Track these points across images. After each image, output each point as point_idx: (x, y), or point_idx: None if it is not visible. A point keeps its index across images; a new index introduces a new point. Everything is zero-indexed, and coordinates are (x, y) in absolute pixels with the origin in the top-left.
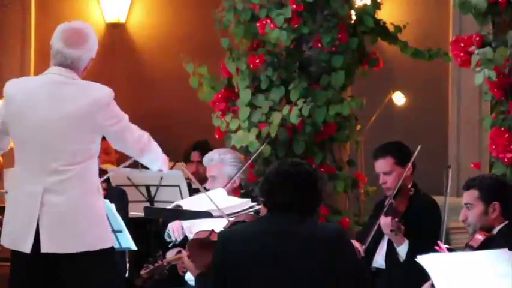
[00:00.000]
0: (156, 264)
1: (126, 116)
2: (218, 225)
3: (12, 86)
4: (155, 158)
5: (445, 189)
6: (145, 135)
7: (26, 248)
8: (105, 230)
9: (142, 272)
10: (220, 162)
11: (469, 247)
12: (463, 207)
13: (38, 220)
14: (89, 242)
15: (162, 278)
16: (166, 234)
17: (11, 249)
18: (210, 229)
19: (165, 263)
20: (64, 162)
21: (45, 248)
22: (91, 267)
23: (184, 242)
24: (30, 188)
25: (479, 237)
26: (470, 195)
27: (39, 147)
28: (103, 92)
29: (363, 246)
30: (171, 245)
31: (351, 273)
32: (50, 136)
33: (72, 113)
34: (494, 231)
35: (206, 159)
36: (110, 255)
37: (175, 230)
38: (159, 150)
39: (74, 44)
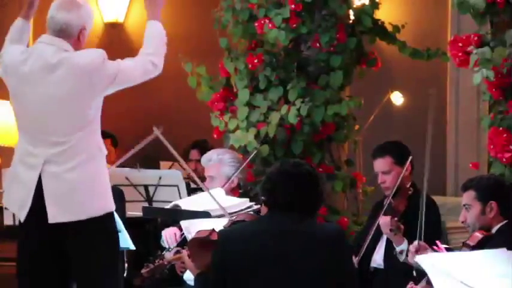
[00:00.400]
0: (156, 263)
1: (118, 65)
2: (219, 224)
3: (11, 54)
4: (162, 48)
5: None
6: (140, 58)
7: (21, 216)
8: (108, 196)
9: (143, 271)
10: (219, 163)
11: (466, 245)
12: (463, 209)
13: (35, 191)
14: (94, 208)
15: (163, 277)
16: (162, 239)
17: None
18: (210, 228)
19: (165, 262)
20: (63, 132)
21: (52, 218)
22: (96, 234)
23: (183, 243)
24: (31, 160)
25: (477, 235)
26: (468, 196)
27: (37, 121)
28: (94, 56)
29: (357, 258)
30: (164, 252)
31: (344, 274)
32: (47, 108)
33: (65, 83)
34: (493, 231)
35: (204, 159)
36: (112, 219)
37: (168, 237)
38: (159, 43)
39: (64, 8)
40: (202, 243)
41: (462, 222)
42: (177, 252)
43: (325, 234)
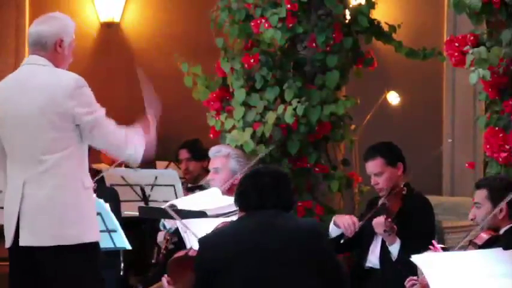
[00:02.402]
0: None
1: (102, 110)
2: (215, 224)
3: None
4: (140, 145)
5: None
6: (123, 130)
7: (7, 242)
8: (85, 225)
9: None
10: (227, 156)
11: (473, 244)
12: (473, 206)
13: (18, 214)
14: (66, 235)
15: None
16: (161, 224)
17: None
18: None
19: None
20: (42, 151)
21: (23, 241)
22: (67, 262)
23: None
24: (14, 182)
25: (484, 235)
26: (480, 195)
27: (19, 141)
28: (71, 79)
29: (360, 222)
30: (166, 231)
31: (325, 266)
32: (27, 128)
33: (42, 102)
34: (501, 232)
35: (213, 150)
36: (89, 251)
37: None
38: (140, 136)
39: (38, 22)
40: (181, 262)
41: (471, 219)
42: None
43: (300, 228)
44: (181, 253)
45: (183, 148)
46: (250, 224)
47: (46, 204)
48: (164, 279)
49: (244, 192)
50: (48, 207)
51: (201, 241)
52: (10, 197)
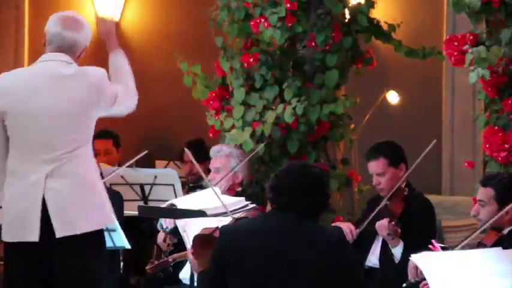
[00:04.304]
0: (161, 260)
1: (116, 89)
2: (214, 223)
3: (4, 78)
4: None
5: None
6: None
7: (33, 237)
8: (109, 207)
9: (148, 267)
10: (229, 155)
11: (481, 245)
12: (476, 203)
13: (42, 208)
14: (98, 220)
15: (166, 275)
16: (158, 224)
17: (10, 242)
18: (215, 226)
19: (170, 259)
20: (65, 150)
21: (59, 233)
22: (88, 249)
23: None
24: (33, 177)
25: (492, 236)
26: (485, 193)
27: (42, 136)
28: (99, 75)
29: (357, 230)
30: (162, 230)
31: (348, 276)
32: (53, 124)
33: (73, 100)
34: (505, 232)
35: (213, 150)
36: (102, 236)
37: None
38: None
39: (72, 27)
40: (205, 240)
41: (474, 216)
42: (177, 244)
43: (325, 236)
44: (207, 231)
45: (189, 150)
46: (275, 226)
47: (75, 193)
48: (190, 250)
49: (278, 188)
50: (79, 196)
51: (224, 230)
52: (23, 192)
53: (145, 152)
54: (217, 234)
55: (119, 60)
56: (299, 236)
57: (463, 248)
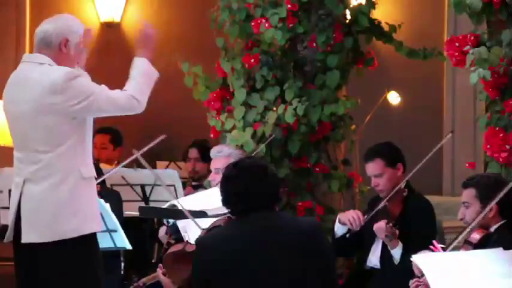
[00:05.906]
0: (135, 285)
1: (99, 89)
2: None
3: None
4: (148, 86)
5: None
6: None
7: (6, 237)
8: (85, 217)
9: None
10: (229, 156)
11: (468, 243)
12: (462, 206)
13: (18, 211)
14: (65, 230)
15: None
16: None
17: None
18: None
19: (141, 284)
20: (39, 148)
21: (24, 238)
22: (68, 255)
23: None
24: (16, 179)
25: (477, 235)
26: (468, 194)
27: (18, 139)
28: (59, 74)
29: (365, 216)
30: (168, 225)
31: (324, 262)
32: (23, 125)
33: (33, 98)
34: (492, 229)
35: (214, 151)
36: (88, 242)
37: None
38: (146, 81)
39: (47, 22)
40: (177, 257)
41: (461, 219)
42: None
43: (301, 228)
44: (177, 247)
45: (194, 147)
46: (247, 226)
47: (43, 201)
48: (159, 270)
49: (227, 200)
50: (45, 204)
51: (199, 242)
52: (12, 194)
53: (163, 137)
54: (188, 248)
55: (138, 66)
56: (272, 232)
57: (453, 249)
